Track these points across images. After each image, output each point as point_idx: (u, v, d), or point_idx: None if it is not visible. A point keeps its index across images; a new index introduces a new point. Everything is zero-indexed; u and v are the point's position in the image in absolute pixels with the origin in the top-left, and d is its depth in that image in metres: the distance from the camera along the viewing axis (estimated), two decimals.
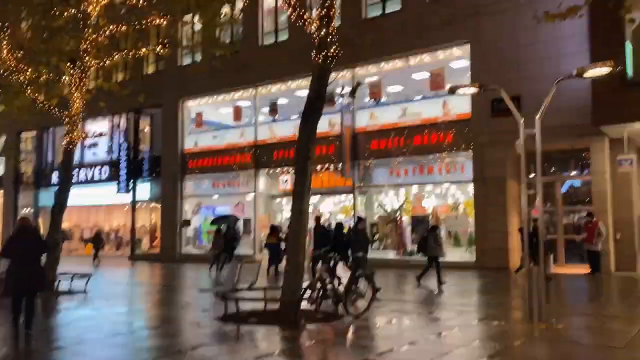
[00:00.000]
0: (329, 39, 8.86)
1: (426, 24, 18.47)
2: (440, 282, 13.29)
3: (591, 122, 14.74)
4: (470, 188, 18.35)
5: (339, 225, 15.46)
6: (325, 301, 8.92)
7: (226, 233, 19.79)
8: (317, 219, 16.97)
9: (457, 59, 18.88)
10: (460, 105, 18.24)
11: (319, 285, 8.78)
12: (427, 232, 14.43)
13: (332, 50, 8.85)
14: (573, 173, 16.85)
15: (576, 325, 8.37)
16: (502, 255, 16.77)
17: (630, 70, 14.54)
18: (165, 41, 15.43)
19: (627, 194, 15.80)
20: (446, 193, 19.73)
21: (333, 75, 9.35)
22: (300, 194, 8.81)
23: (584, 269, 14.98)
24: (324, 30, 8.88)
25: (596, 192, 15.83)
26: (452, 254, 18.38)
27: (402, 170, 19.79)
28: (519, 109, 16.64)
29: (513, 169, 17.26)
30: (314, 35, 9.09)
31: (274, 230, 17.68)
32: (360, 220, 14.21)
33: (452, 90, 10.08)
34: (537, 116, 8.88)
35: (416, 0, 19.09)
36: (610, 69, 8.29)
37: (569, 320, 8.63)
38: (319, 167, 21.92)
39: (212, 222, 19.17)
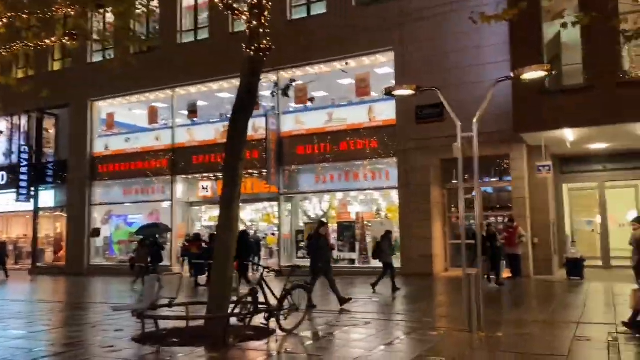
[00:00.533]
0: (260, 30, 8.20)
1: (351, 28, 18.29)
2: (394, 289, 13.08)
3: (513, 129, 15.08)
4: (395, 194, 18.31)
5: (244, 233, 15.36)
6: (258, 316, 8.17)
7: (154, 243, 18.51)
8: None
9: (382, 65, 18.81)
10: (386, 111, 18.18)
11: (249, 299, 8.02)
12: (381, 237, 14.08)
13: (264, 42, 8.19)
14: (493, 179, 17.21)
15: (513, 332, 8.22)
16: (428, 262, 16.78)
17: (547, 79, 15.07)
18: (74, 32, 13.99)
19: (543, 199, 16.35)
20: (371, 199, 19.60)
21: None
22: (229, 199, 8.04)
23: (505, 273, 15.26)
24: (255, 20, 8.21)
25: (516, 198, 16.24)
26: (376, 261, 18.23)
27: (328, 176, 19.41)
28: (443, 114, 17.13)
29: (436, 176, 17.41)
30: (246, 27, 8.38)
31: (197, 239, 16.63)
32: (322, 224, 13.35)
33: (389, 92, 9.74)
34: (475, 119, 8.69)
35: (342, 4, 18.87)
36: (546, 72, 8.27)
37: (506, 328, 8.48)
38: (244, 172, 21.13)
39: (138, 232, 17.60)
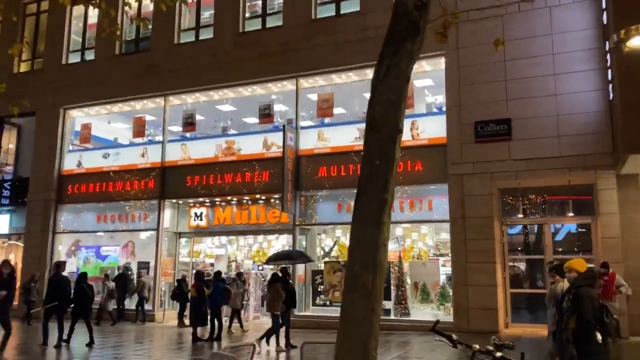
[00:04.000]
0: None
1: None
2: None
3: (621, 148, 11.89)
4: (443, 228, 14.96)
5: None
6: None
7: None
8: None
9: (421, 76, 15.66)
10: (433, 127, 15.00)
11: None
12: None
13: None
14: (570, 215, 14.00)
15: None
16: (491, 317, 13.31)
17: None
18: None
19: (637, 240, 13.18)
20: (407, 235, 16.17)
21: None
22: (377, 212, 4.16)
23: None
24: None
25: (604, 238, 13.04)
26: (419, 312, 14.73)
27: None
28: (508, 134, 14.00)
29: (496, 207, 14.16)
30: None
31: (199, 278, 12.79)
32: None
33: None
34: None
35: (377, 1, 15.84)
36: None
37: None
38: (246, 198, 17.52)
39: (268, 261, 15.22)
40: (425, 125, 15.06)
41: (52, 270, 18.84)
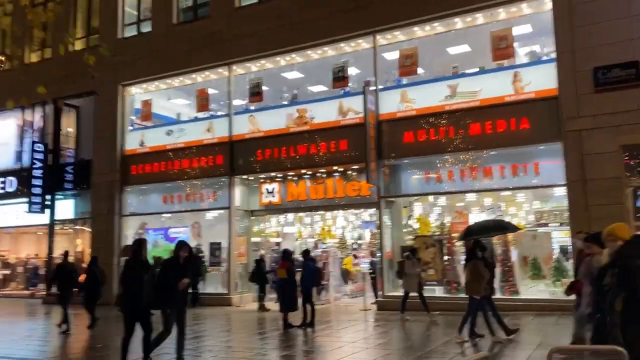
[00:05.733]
0: None
1: None
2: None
3: None
4: (559, 194, 13.07)
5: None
6: None
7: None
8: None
9: (519, 22, 13.67)
10: (539, 79, 13.02)
11: None
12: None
13: None
14: None
15: None
16: None
17: None
18: None
19: None
20: (512, 203, 14.34)
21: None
22: None
23: None
24: None
25: None
26: (530, 290, 12.99)
27: (446, 173, 14.21)
28: (637, 79, 11.88)
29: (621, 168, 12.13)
30: None
31: (287, 257, 11.43)
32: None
33: None
34: None
35: None
36: None
37: None
38: (322, 171, 16.06)
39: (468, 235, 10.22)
40: (530, 76, 13.09)
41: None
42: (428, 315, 12.05)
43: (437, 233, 14.54)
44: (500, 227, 10.66)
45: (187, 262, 7.75)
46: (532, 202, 14.03)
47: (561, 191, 12.85)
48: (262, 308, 14.90)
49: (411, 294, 12.51)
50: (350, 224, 18.82)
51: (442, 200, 14.81)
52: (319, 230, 18.70)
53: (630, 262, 4.44)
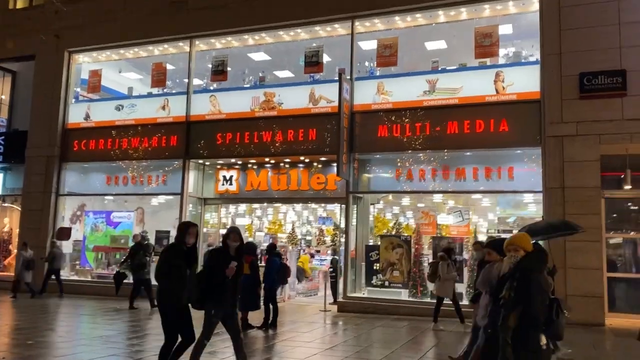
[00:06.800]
0: None
1: None
2: None
3: None
4: (534, 200, 12.72)
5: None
6: None
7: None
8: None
9: (503, 20, 13.22)
10: (522, 80, 12.60)
11: None
12: None
13: None
14: None
15: None
16: (595, 306, 11.15)
17: None
18: None
19: None
20: (480, 207, 13.92)
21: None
22: None
23: None
24: None
25: None
26: None
27: (417, 171, 13.58)
28: (622, 88, 11.64)
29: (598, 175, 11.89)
30: None
31: (251, 251, 10.31)
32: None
33: None
34: None
35: None
36: None
37: None
38: (286, 160, 15.11)
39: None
40: (513, 77, 12.64)
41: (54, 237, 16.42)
42: (462, 326, 10.60)
43: (405, 234, 13.90)
44: (569, 226, 8.47)
45: (239, 253, 6.24)
46: (505, 208, 13.66)
47: (535, 198, 12.53)
48: None
49: (445, 300, 11.02)
50: (308, 219, 17.94)
51: (410, 199, 14.20)
52: (268, 223, 17.77)
53: (530, 276, 4.16)
